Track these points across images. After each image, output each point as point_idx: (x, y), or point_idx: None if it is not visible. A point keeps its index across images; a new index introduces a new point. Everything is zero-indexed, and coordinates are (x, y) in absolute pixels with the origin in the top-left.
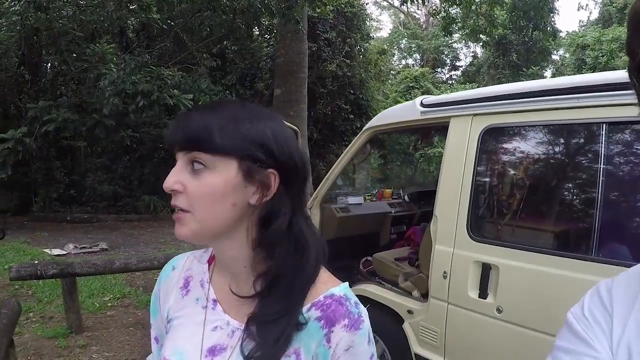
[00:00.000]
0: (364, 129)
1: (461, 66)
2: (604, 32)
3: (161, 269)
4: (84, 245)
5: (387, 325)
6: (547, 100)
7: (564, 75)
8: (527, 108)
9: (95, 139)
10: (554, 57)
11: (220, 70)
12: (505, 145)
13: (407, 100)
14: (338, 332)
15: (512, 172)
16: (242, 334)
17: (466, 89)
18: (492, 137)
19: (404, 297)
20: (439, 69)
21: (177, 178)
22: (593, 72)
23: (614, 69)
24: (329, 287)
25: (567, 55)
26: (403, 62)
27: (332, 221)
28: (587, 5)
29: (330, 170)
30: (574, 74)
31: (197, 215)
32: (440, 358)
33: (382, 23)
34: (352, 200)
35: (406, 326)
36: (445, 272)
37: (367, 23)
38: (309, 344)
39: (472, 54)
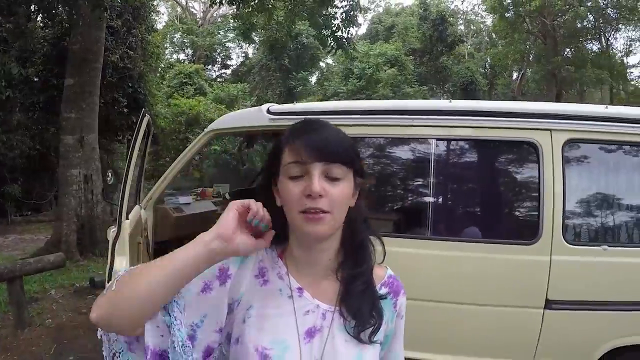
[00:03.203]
0: (206, 130)
1: (232, 65)
2: (371, 47)
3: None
4: None
5: None
6: (389, 117)
7: (330, 81)
8: (367, 123)
9: None
10: (321, 64)
11: None
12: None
13: (181, 95)
14: (400, 299)
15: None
16: (336, 315)
17: (238, 88)
18: None
19: None
20: (210, 66)
21: (322, 185)
22: (359, 81)
23: (378, 80)
24: (384, 270)
25: (335, 64)
26: (175, 56)
27: (169, 221)
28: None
29: (168, 171)
30: (341, 82)
31: (335, 216)
32: None
33: (159, 15)
34: (182, 199)
35: None
36: None
37: (153, 15)
38: (385, 312)
39: (244, 55)
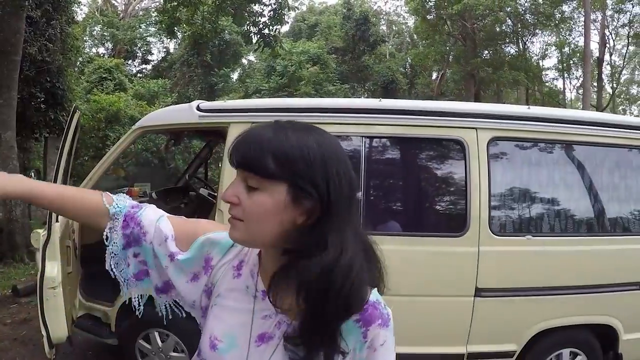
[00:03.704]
0: (133, 127)
1: (153, 60)
2: (294, 45)
3: None
4: None
5: (175, 318)
6: (320, 115)
7: (252, 78)
8: (308, 121)
9: None
10: (243, 61)
11: None
12: None
13: (100, 91)
14: (373, 329)
15: None
16: (290, 329)
17: (158, 84)
18: None
19: None
20: (130, 61)
21: (234, 191)
22: (281, 78)
23: (300, 77)
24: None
25: (257, 61)
26: (94, 50)
27: None
28: None
29: (94, 170)
30: (264, 79)
31: (248, 226)
32: None
33: (79, 6)
34: None
35: None
36: None
37: (74, 5)
38: (349, 340)
39: (165, 50)
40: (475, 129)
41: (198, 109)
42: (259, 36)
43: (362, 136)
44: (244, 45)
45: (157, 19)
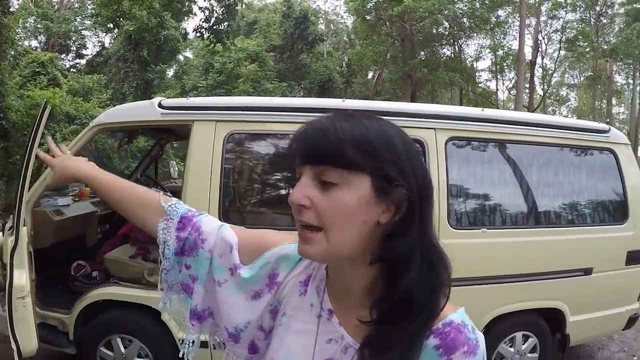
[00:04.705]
0: (90, 125)
1: (87, 55)
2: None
3: None
4: None
5: (139, 323)
6: (283, 114)
7: (189, 74)
8: (264, 119)
9: None
10: (180, 57)
11: None
12: (247, 148)
13: (34, 86)
14: (457, 358)
15: (252, 169)
16: (356, 354)
17: (93, 80)
18: (234, 141)
19: (154, 291)
20: (64, 55)
21: (304, 193)
22: (219, 76)
23: (238, 75)
24: (447, 313)
25: (195, 57)
26: (26, 43)
27: (49, 226)
28: None
29: (48, 170)
30: (201, 75)
31: (329, 234)
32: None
33: None
34: (61, 201)
35: (165, 317)
36: None
37: None
38: None
39: (100, 44)
40: (434, 129)
41: (160, 106)
42: (210, 32)
43: None
44: (181, 41)
45: (94, 11)
